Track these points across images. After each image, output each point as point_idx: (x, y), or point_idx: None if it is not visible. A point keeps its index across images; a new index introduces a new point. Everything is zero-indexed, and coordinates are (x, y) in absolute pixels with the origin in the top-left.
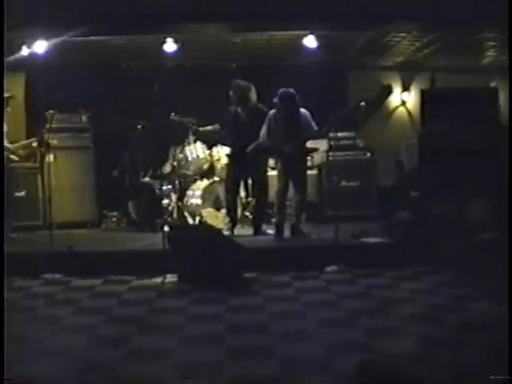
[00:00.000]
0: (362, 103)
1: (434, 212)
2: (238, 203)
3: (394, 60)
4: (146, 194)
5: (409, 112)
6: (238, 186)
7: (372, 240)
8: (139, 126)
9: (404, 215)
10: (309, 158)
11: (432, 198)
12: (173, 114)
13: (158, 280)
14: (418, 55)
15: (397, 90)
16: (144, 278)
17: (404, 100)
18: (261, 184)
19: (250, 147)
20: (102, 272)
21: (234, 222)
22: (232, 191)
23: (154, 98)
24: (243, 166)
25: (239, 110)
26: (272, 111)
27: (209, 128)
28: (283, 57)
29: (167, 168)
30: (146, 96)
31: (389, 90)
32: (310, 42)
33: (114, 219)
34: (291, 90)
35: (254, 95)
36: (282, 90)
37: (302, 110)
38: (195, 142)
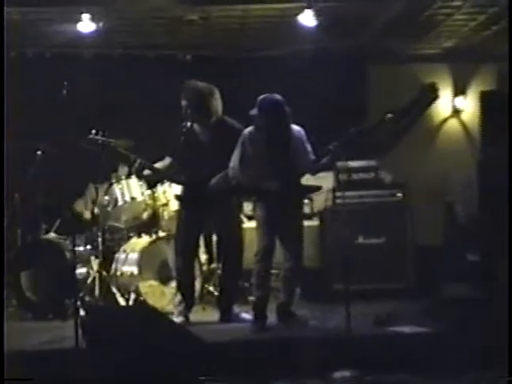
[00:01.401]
0: (390, 115)
1: (503, 286)
2: (196, 272)
3: (440, 46)
4: (49, 258)
5: (464, 126)
6: (196, 246)
7: (405, 329)
8: (39, 152)
9: (457, 290)
10: (306, 201)
11: (501, 264)
12: (93, 131)
13: None
14: (476, 39)
15: (445, 92)
16: None
17: (457, 108)
18: (231, 242)
19: (213, 181)
20: None
21: (188, 301)
22: (186, 254)
23: (61, 107)
24: (203, 213)
25: (196, 127)
26: (248, 129)
27: (159, 165)
28: (264, 44)
29: (85, 217)
30: (49, 103)
31: (432, 93)
32: (307, 19)
33: None
34: (277, 97)
35: (218, 104)
36: (263, 97)
37: (295, 128)
38: (129, 176)
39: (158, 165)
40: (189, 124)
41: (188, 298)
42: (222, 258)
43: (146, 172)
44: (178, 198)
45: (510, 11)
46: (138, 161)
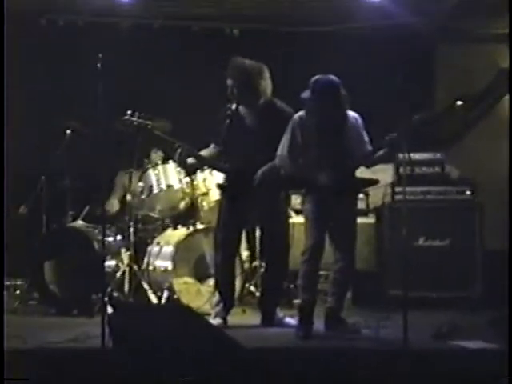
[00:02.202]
0: (459, 102)
1: None
2: (237, 270)
3: None
4: (75, 248)
5: None
6: (238, 241)
7: (469, 344)
8: (68, 132)
9: None
10: (361, 196)
11: None
12: (129, 111)
13: None
14: None
15: None
16: None
17: None
18: (277, 238)
19: (260, 172)
20: None
21: (227, 302)
22: (226, 249)
23: (94, 83)
24: (247, 205)
25: (242, 109)
26: (299, 114)
27: (205, 153)
28: (320, 18)
29: (114, 205)
30: (80, 78)
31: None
32: None
33: (18, 292)
34: (333, 78)
35: (267, 85)
36: (316, 78)
37: (351, 114)
38: (165, 161)
39: (203, 152)
40: (234, 106)
41: (227, 299)
42: (265, 256)
43: (190, 161)
44: (220, 187)
45: (510, 11)
46: (182, 147)
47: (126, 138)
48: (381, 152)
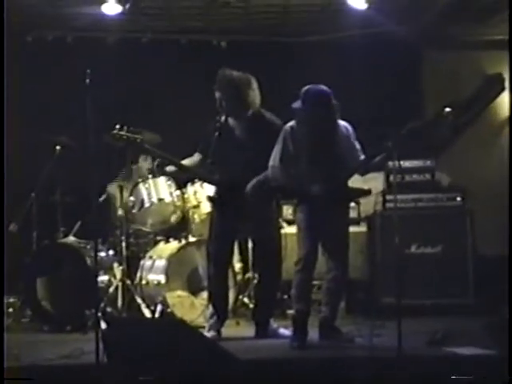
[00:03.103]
0: (448, 109)
1: None
2: (230, 282)
3: (505, 32)
4: (67, 264)
5: None
6: (230, 253)
7: (463, 351)
8: (58, 147)
9: None
10: (352, 204)
11: None
12: (118, 125)
13: None
14: None
15: None
16: None
17: None
18: (269, 249)
19: (251, 183)
20: None
21: (221, 314)
22: (219, 261)
23: (83, 97)
24: (238, 217)
25: (231, 121)
26: (290, 124)
27: (188, 162)
28: (309, 28)
29: (107, 220)
30: (70, 93)
31: (497, 85)
32: (357, 2)
33: (10, 310)
34: (323, 88)
35: (256, 96)
36: (307, 88)
37: (342, 123)
38: (156, 175)
39: (185, 161)
40: (223, 118)
41: (220, 311)
42: (258, 267)
43: (170, 168)
44: (210, 199)
45: (510, 11)
46: (159, 159)
47: (116, 151)
48: (377, 159)
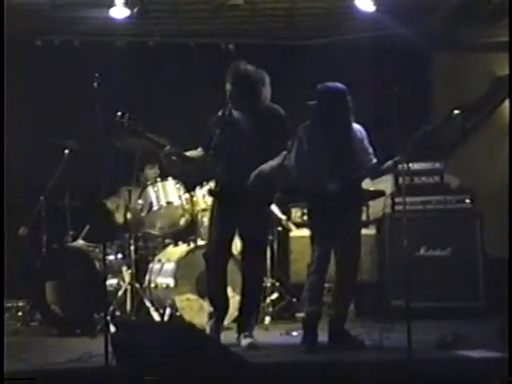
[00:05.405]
0: (457, 111)
1: None
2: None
3: None
4: (76, 268)
5: None
6: (229, 252)
7: (473, 354)
8: (66, 151)
9: None
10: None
11: None
12: (119, 113)
13: None
14: None
15: None
16: None
17: None
18: (258, 250)
19: (254, 174)
20: None
21: (221, 316)
22: (218, 260)
23: (92, 100)
24: (240, 213)
25: (237, 114)
26: (306, 123)
27: (192, 154)
28: (316, 31)
29: (116, 223)
30: (78, 96)
31: (507, 87)
32: (365, 4)
33: (20, 313)
34: (339, 85)
35: (268, 92)
36: (323, 85)
37: (356, 127)
38: (164, 177)
39: (188, 153)
40: (227, 110)
41: (219, 310)
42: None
43: (175, 159)
44: (210, 192)
45: (510, 11)
46: (168, 147)
47: (123, 154)
48: (388, 164)
